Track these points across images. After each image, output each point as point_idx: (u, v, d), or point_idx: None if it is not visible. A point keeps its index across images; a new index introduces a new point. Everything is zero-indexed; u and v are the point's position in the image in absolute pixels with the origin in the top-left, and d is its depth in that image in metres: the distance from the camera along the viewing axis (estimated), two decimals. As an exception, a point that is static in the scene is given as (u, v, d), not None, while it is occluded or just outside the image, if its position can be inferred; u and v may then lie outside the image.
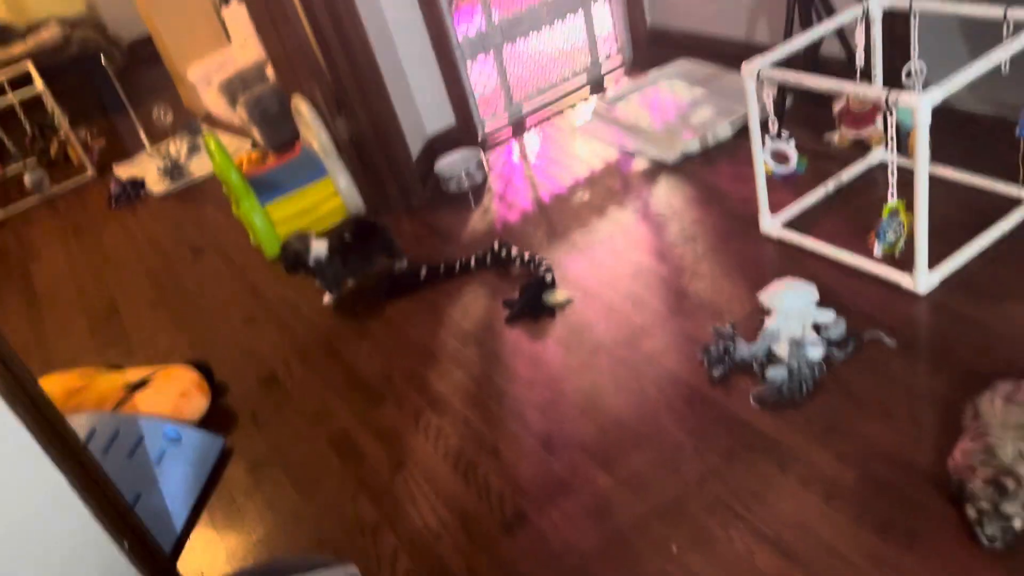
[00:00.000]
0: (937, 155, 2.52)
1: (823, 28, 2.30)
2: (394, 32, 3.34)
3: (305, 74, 3.16)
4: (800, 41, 2.27)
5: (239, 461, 2.28)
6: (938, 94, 1.81)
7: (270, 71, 4.45)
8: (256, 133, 4.49)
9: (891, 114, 1.97)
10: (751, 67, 2.18)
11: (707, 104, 3.28)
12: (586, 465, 1.91)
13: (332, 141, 3.23)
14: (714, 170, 2.92)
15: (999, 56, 1.88)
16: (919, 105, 1.80)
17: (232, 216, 3.57)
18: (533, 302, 2.48)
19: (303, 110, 3.25)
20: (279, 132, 4.39)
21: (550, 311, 2.46)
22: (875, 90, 1.92)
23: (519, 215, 3.05)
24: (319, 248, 2.76)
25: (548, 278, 2.54)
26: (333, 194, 3.28)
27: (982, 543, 1.47)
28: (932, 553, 1.50)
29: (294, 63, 3.23)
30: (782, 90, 2.95)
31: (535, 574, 1.70)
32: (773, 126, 2.28)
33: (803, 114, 3.02)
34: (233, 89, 4.64)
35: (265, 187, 3.24)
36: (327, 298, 2.86)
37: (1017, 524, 1.46)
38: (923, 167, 1.90)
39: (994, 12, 2.05)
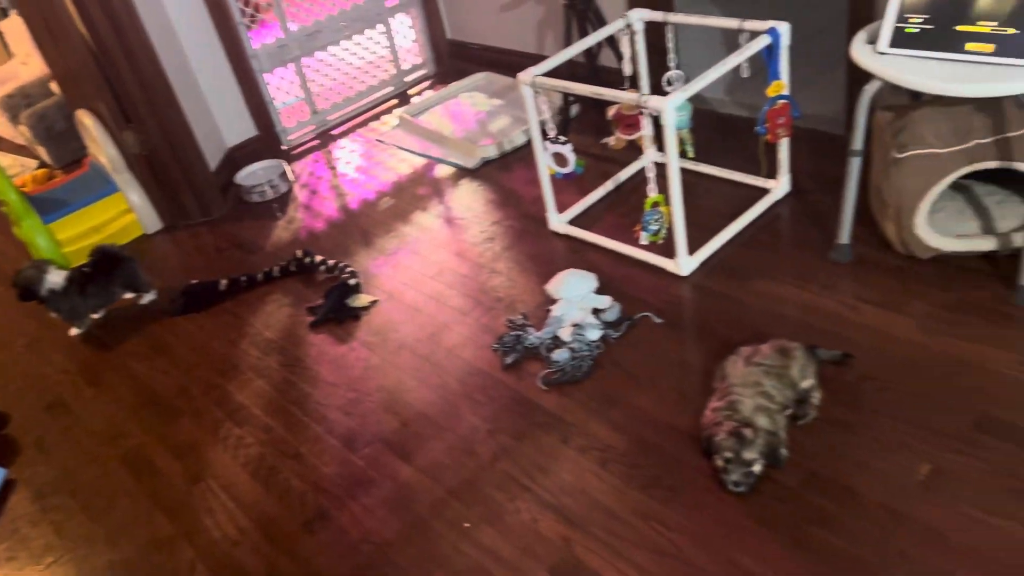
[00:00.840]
0: (702, 154, 2.84)
1: (590, 39, 2.51)
2: (184, 42, 3.26)
3: (89, 87, 3.02)
4: (569, 52, 2.46)
5: (24, 491, 2.14)
6: (679, 97, 2.04)
7: (55, 86, 4.19)
8: (42, 151, 4.21)
9: (648, 117, 2.18)
10: (525, 76, 2.34)
11: (504, 114, 3.45)
12: (387, 458, 1.97)
13: (121, 155, 3.10)
14: (510, 174, 3.08)
15: (732, 61, 2.14)
16: (664, 108, 2.02)
17: (13, 237, 3.33)
18: (337, 306, 2.51)
19: (88, 124, 3.10)
20: (66, 149, 4.15)
21: (354, 314, 2.50)
22: (628, 95, 2.12)
23: (325, 223, 3.06)
24: (55, 278, 2.61)
25: (352, 282, 2.58)
26: (126, 210, 3.14)
27: (729, 489, 1.67)
28: (690, 503, 1.68)
29: (77, 76, 3.07)
30: (567, 99, 3.16)
31: (334, 566, 1.73)
32: (551, 131, 2.44)
33: (590, 120, 3.26)
34: (15, 105, 4.32)
35: (49, 205, 3.05)
36: (73, 330, 2.73)
37: (757, 468, 1.67)
38: (674, 163, 2.12)
39: (732, 23, 2.32)
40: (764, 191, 2.56)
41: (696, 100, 3.17)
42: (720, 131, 2.97)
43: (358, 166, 3.45)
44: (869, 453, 1.69)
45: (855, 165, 2.11)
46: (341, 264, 2.68)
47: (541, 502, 1.77)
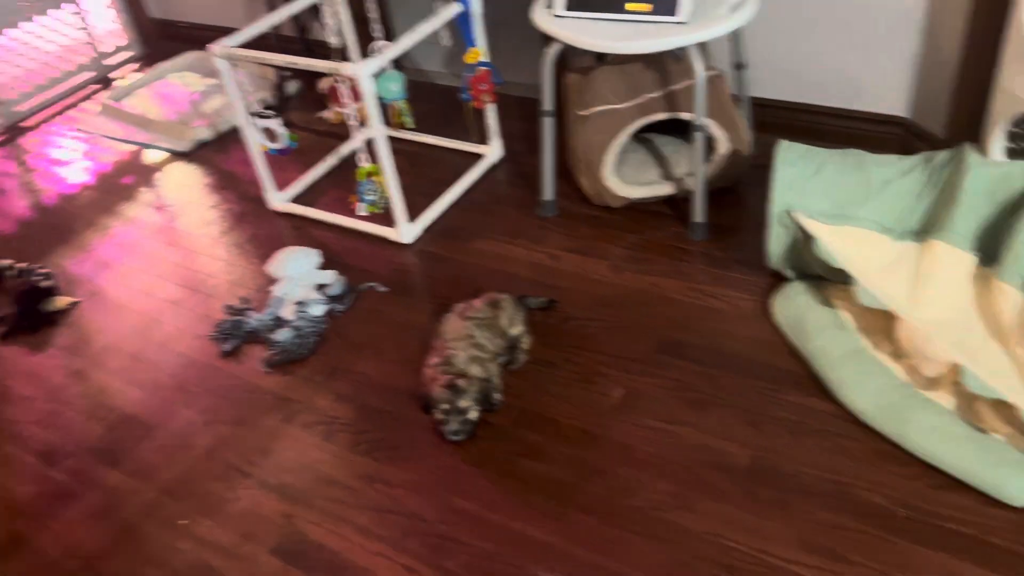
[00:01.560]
0: (422, 125, 2.88)
1: (286, 10, 2.44)
2: None
3: None
4: (265, 22, 2.38)
5: None
6: (373, 65, 2.05)
7: None
8: None
9: (350, 86, 2.17)
10: (218, 48, 2.23)
11: (219, 93, 3.28)
12: (92, 468, 1.81)
13: None
14: (227, 156, 2.94)
15: (425, 29, 2.19)
16: (358, 74, 2.02)
17: None
18: (29, 313, 2.26)
19: None
20: None
21: (50, 319, 2.26)
22: (323, 64, 2.10)
23: (15, 224, 2.74)
24: None
25: (45, 285, 2.33)
26: None
27: (449, 438, 1.73)
28: (412, 458, 1.72)
29: None
30: (281, 74, 3.06)
31: (30, 592, 1.58)
32: (259, 106, 2.36)
33: (313, 96, 3.19)
34: None
35: None
36: None
37: (473, 415, 1.74)
38: (379, 132, 2.13)
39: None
40: (479, 157, 2.66)
41: (415, 73, 3.21)
42: (438, 102, 3.03)
43: (55, 159, 3.11)
44: (571, 386, 1.82)
45: (548, 125, 2.25)
46: (33, 267, 2.41)
47: (263, 485, 1.72)
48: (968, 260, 1.72)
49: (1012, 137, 1.89)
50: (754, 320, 1.92)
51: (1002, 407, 1.53)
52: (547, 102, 2.20)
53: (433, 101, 3.04)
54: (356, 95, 2.89)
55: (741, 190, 2.32)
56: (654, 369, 1.84)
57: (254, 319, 2.12)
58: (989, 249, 1.69)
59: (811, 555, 1.42)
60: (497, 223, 2.39)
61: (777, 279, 1.98)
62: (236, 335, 2.10)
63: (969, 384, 1.47)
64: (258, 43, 2.38)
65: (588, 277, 2.13)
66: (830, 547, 1.43)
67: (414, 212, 2.40)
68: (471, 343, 1.82)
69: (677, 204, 2.32)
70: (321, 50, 3.02)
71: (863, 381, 1.65)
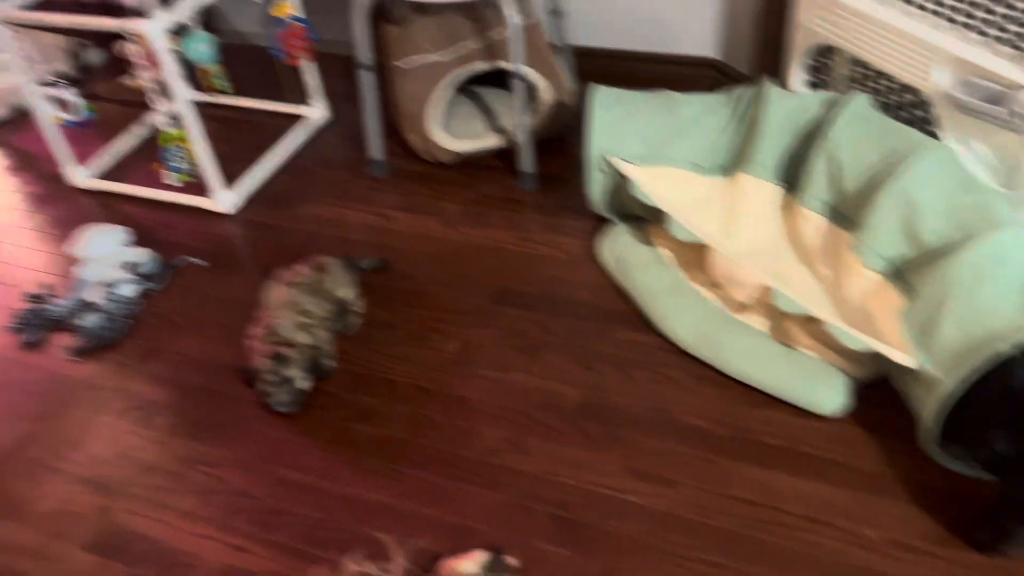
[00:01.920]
0: (241, 88, 2.72)
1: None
2: None
3: None
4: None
5: None
6: (164, 20, 1.90)
7: None
8: None
9: (144, 46, 2.01)
10: (-11, 8, 2.01)
11: (8, 70, 2.97)
12: None
13: None
14: (26, 135, 2.67)
15: (227, -16, 2.05)
16: (149, 32, 1.87)
17: None
18: None
19: None
20: None
21: None
22: (110, 22, 1.93)
23: None
24: None
25: None
26: None
27: (278, 410, 1.65)
28: (238, 435, 1.63)
29: None
30: (79, 41, 2.81)
31: None
32: (50, 76, 2.14)
33: (121, 64, 2.95)
34: None
35: None
36: None
37: (301, 384, 1.67)
38: (181, 93, 1.99)
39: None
40: (303, 119, 2.54)
41: (232, 35, 3.03)
42: (258, 64, 2.87)
43: None
44: (405, 345, 1.78)
45: (367, 80, 2.17)
46: None
47: (75, 479, 1.58)
48: (773, 191, 1.80)
49: (810, 70, 1.99)
50: (583, 264, 1.95)
51: (810, 324, 1.62)
52: (363, 54, 2.12)
53: (252, 63, 2.87)
54: (150, 60, 2.69)
55: (569, 138, 2.34)
56: (488, 320, 1.82)
57: (58, 305, 1.95)
58: (792, 178, 1.78)
59: (640, 482, 1.46)
60: (325, 186, 2.30)
61: (604, 223, 2.01)
62: (38, 324, 1.92)
63: (779, 303, 1.54)
64: (48, 6, 2.16)
65: (421, 235, 2.09)
66: (657, 472, 1.48)
67: (234, 180, 2.27)
68: (296, 310, 1.74)
69: (507, 156, 2.31)
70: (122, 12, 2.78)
71: (682, 313, 1.71)
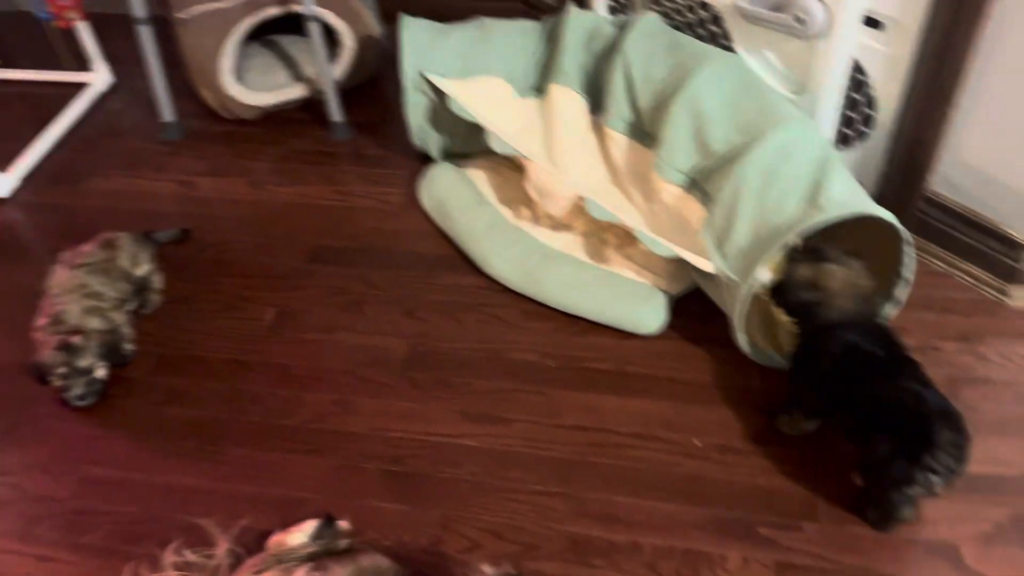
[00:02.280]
0: (9, 59, 2.43)
1: None
2: None
3: None
4: None
5: None
6: None
7: None
8: None
9: None
10: None
11: None
12: None
13: None
14: None
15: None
16: None
17: None
18: None
19: None
20: None
21: None
22: None
23: None
24: None
25: None
26: None
27: (75, 405, 1.49)
28: (36, 438, 1.46)
29: None
30: None
31: None
32: None
33: None
34: None
35: None
36: None
37: (100, 374, 1.51)
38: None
39: None
40: (84, 87, 2.29)
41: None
42: (27, 31, 2.55)
43: None
44: (215, 318, 1.66)
45: (146, 35, 1.97)
46: None
47: None
48: (580, 101, 1.76)
49: (611, -2, 1.99)
50: (404, 213, 1.87)
51: (627, 246, 1.63)
52: (137, 8, 1.92)
53: (21, 30, 2.56)
54: None
55: (380, 83, 2.23)
56: (305, 281, 1.72)
57: None
58: (595, 99, 1.76)
59: (473, 424, 1.43)
60: (116, 157, 2.09)
61: (425, 167, 1.94)
62: None
63: (592, 212, 1.52)
64: None
65: (226, 199, 1.94)
66: (489, 412, 1.45)
67: (6, 161, 2.02)
68: (84, 293, 1.57)
69: (316, 107, 2.18)
70: None
71: (504, 250, 1.67)
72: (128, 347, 1.58)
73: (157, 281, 1.70)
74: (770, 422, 1.39)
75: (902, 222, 1.36)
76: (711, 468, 1.34)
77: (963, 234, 1.59)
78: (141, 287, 1.67)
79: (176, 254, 1.78)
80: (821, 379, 1.29)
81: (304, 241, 1.81)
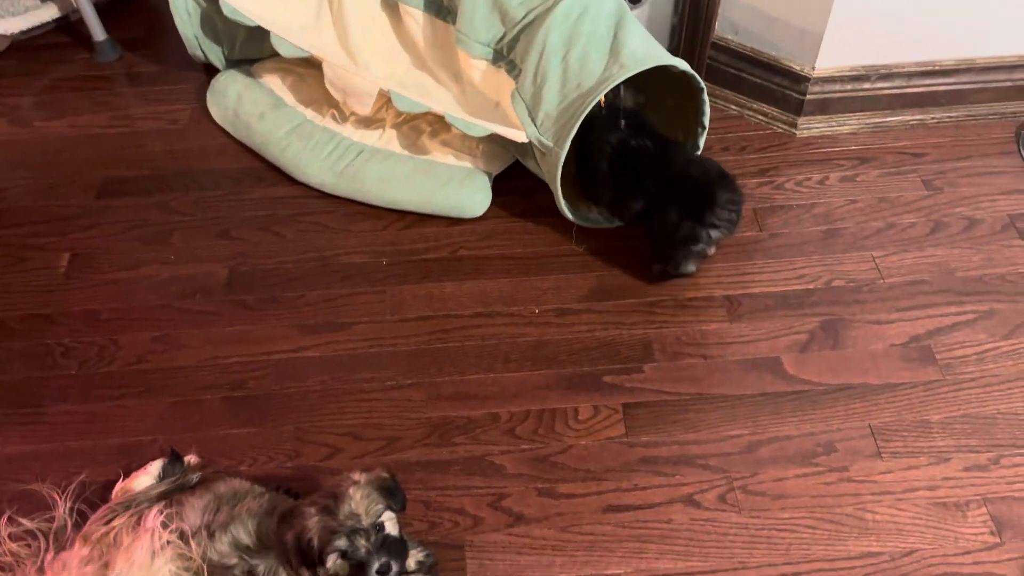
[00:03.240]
0: None
1: None
2: None
3: None
4: None
5: None
6: None
7: None
8: None
9: None
10: None
11: None
12: None
13: None
14: None
15: None
16: None
17: None
18: None
19: None
20: None
21: None
22: None
23: None
24: None
25: None
26: None
27: None
28: None
29: None
30: None
31: None
32: None
33: None
34: None
35: None
36: None
37: None
38: None
39: None
40: None
41: None
42: None
43: None
44: (2, 274, 1.48)
45: None
46: None
47: None
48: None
49: None
50: (195, 129, 1.73)
51: (442, 132, 1.60)
52: None
53: None
54: None
55: (145, -6, 2.02)
56: (98, 219, 1.57)
57: None
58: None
59: (312, 335, 1.39)
60: None
61: (211, 77, 1.79)
62: None
63: (398, 104, 1.47)
64: None
65: (-15, 143, 1.72)
66: (328, 320, 1.40)
67: None
68: None
69: (75, 29, 1.94)
70: None
71: (314, 154, 1.59)
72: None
73: (-80, 245, 1.49)
74: (598, 280, 1.45)
75: (695, 71, 1.41)
76: (552, 332, 1.39)
77: (751, 75, 1.68)
78: (-99, 254, 1.46)
79: (-63, 212, 1.57)
80: (606, 175, 1.43)
81: (89, 176, 1.64)
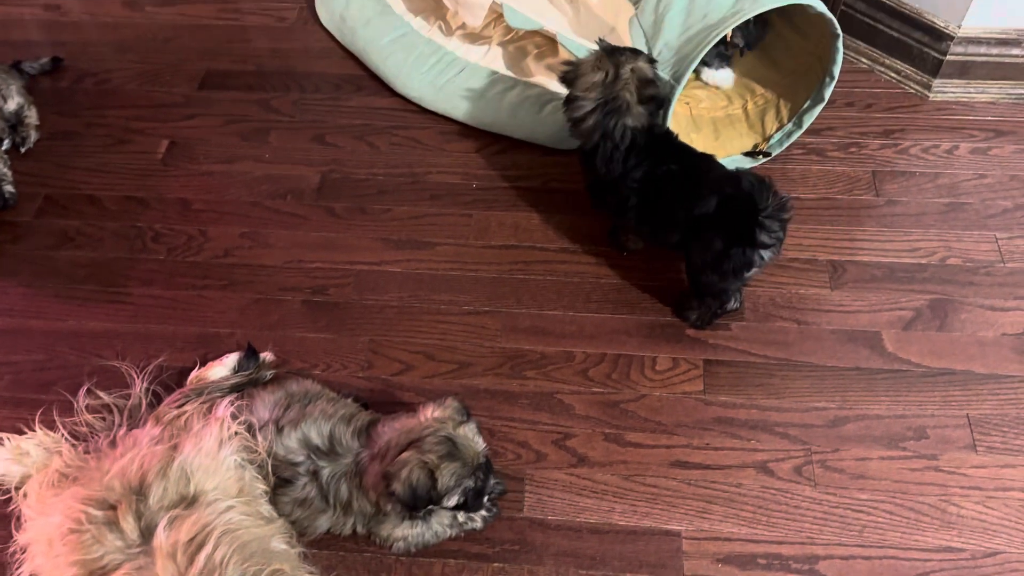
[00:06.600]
0: None
1: None
2: None
3: None
4: None
5: None
6: None
7: None
8: None
9: None
10: None
11: None
12: None
13: None
14: None
15: None
16: None
17: None
18: None
19: None
20: None
21: None
22: None
23: None
24: None
25: None
26: None
27: (-43, 256, 1.37)
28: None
29: None
30: None
31: None
32: None
33: None
34: None
35: None
36: None
37: (-21, 220, 1.38)
38: None
39: None
40: None
41: None
42: None
43: None
44: (103, 153, 1.51)
45: None
46: None
47: None
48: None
49: None
50: (301, 29, 1.71)
51: (548, 55, 1.53)
52: None
53: None
54: None
55: None
56: (199, 109, 1.57)
57: None
58: None
59: (396, 251, 1.37)
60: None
61: (319, -20, 1.76)
62: None
63: (510, 20, 1.41)
64: None
65: (103, 23, 1.73)
66: (412, 238, 1.38)
67: None
68: (-51, 133, 1.41)
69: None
70: None
71: (416, 65, 1.55)
72: (9, 189, 1.43)
73: (32, 116, 1.52)
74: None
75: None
76: (638, 277, 1.33)
77: (888, 27, 1.55)
78: (15, 124, 1.50)
79: (51, 86, 1.60)
80: (629, 207, 1.24)
81: (193, 66, 1.64)
